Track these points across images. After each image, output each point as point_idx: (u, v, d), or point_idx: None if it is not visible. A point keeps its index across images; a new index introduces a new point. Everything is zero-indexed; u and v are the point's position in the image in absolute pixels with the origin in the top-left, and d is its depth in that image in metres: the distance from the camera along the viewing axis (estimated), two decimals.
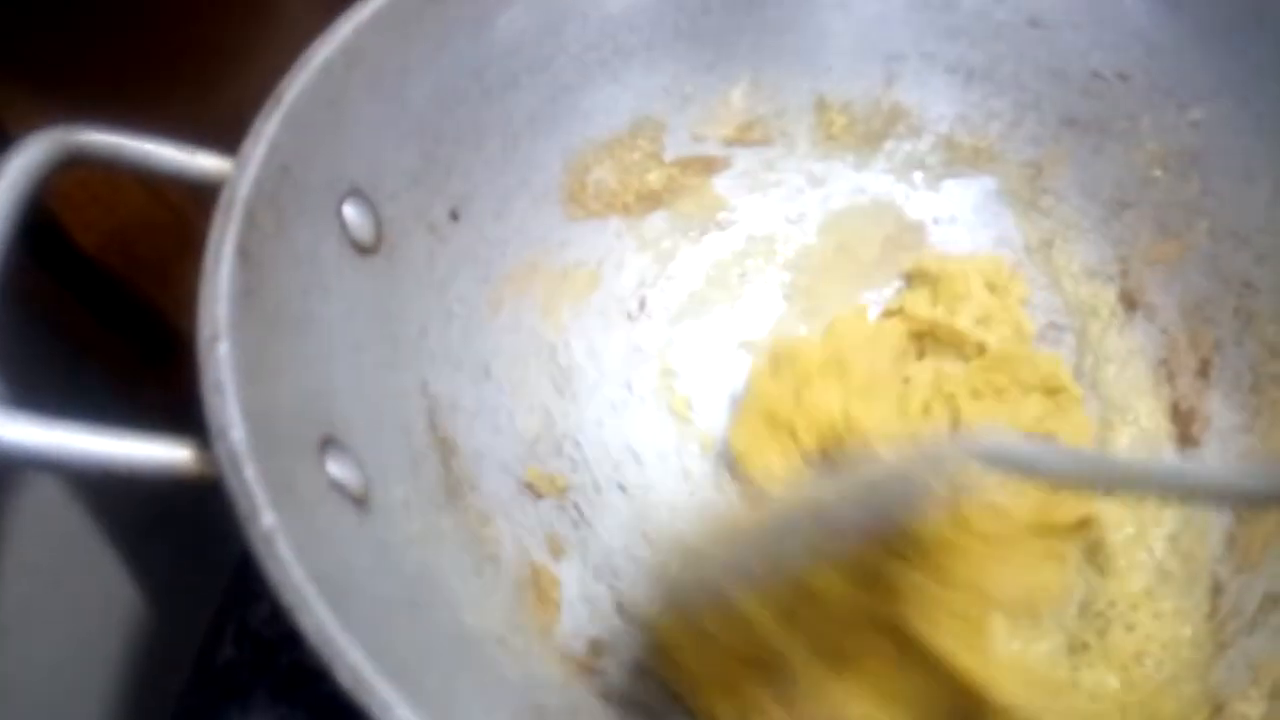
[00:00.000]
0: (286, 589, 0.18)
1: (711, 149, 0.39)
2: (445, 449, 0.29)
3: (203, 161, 0.25)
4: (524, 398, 0.33)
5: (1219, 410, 0.33)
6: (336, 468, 0.23)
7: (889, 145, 0.39)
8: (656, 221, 0.38)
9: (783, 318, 0.38)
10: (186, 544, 0.37)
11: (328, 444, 0.23)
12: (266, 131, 0.25)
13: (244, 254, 0.23)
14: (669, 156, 0.38)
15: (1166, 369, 0.35)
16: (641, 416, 0.35)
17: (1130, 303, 0.37)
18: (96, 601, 0.34)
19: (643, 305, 0.38)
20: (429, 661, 0.21)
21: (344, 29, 0.28)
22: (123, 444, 0.20)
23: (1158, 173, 0.36)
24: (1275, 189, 0.33)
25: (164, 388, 0.25)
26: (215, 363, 0.20)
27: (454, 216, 0.32)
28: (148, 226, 0.30)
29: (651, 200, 0.38)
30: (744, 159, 0.39)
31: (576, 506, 0.32)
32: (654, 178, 0.38)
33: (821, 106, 0.39)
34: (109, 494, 0.33)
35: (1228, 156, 0.34)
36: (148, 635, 0.36)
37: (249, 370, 0.21)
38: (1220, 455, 0.33)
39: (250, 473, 0.19)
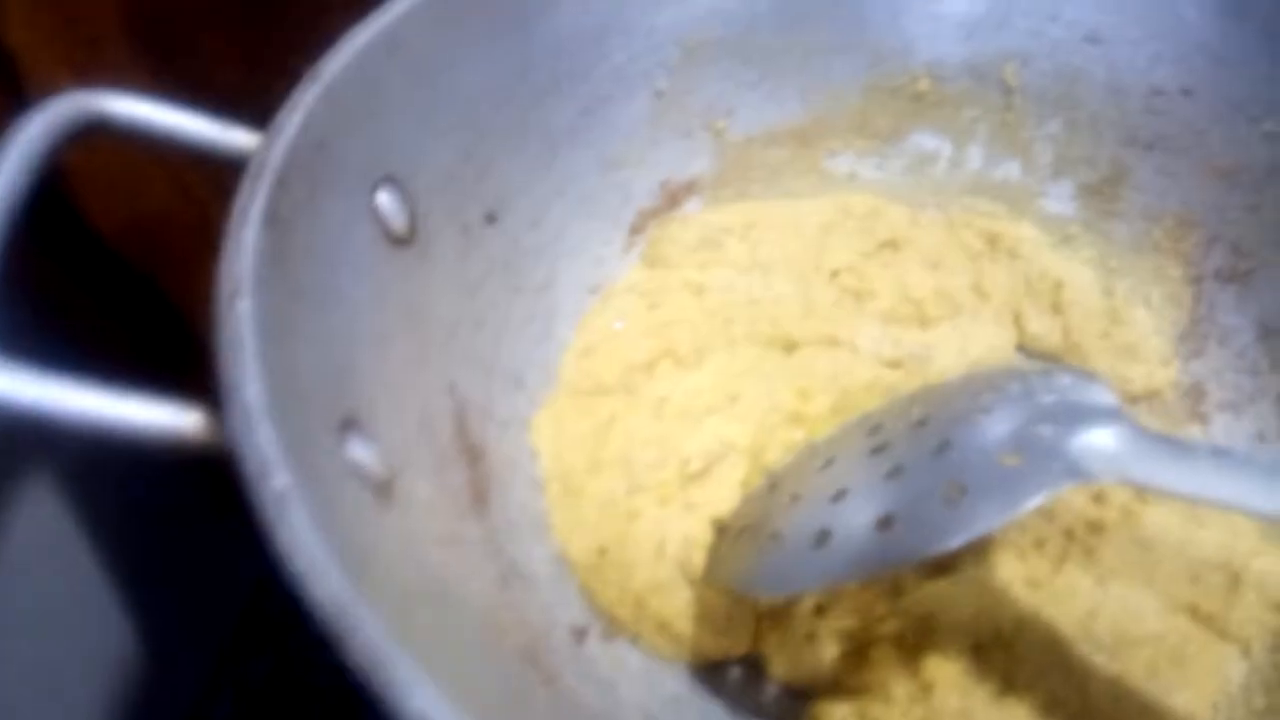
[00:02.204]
0: (298, 554, 0.15)
1: None
2: (473, 454, 0.27)
3: (237, 136, 0.24)
4: None
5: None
6: (359, 449, 0.21)
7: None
8: None
9: None
10: (185, 593, 0.35)
11: (350, 425, 0.21)
12: (304, 103, 0.24)
13: (272, 218, 0.21)
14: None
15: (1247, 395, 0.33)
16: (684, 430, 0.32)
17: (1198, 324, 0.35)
18: (87, 649, 0.32)
19: None
20: (453, 660, 0.19)
21: (387, 16, 0.27)
22: (125, 404, 0.18)
23: (1227, 190, 0.34)
24: None
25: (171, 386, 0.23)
26: (234, 319, 0.19)
27: (490, 219, 0.31)
28: (169, 220, 0.29)
29: None
30: None
31: None
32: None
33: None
34: (108, 525, 0.31)
35: None
36: (140, 687, 0.34)
37: (269, 333, 0.19)
38: None
39: (264, 435, 0.17)
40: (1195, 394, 0.34)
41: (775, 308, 0.34)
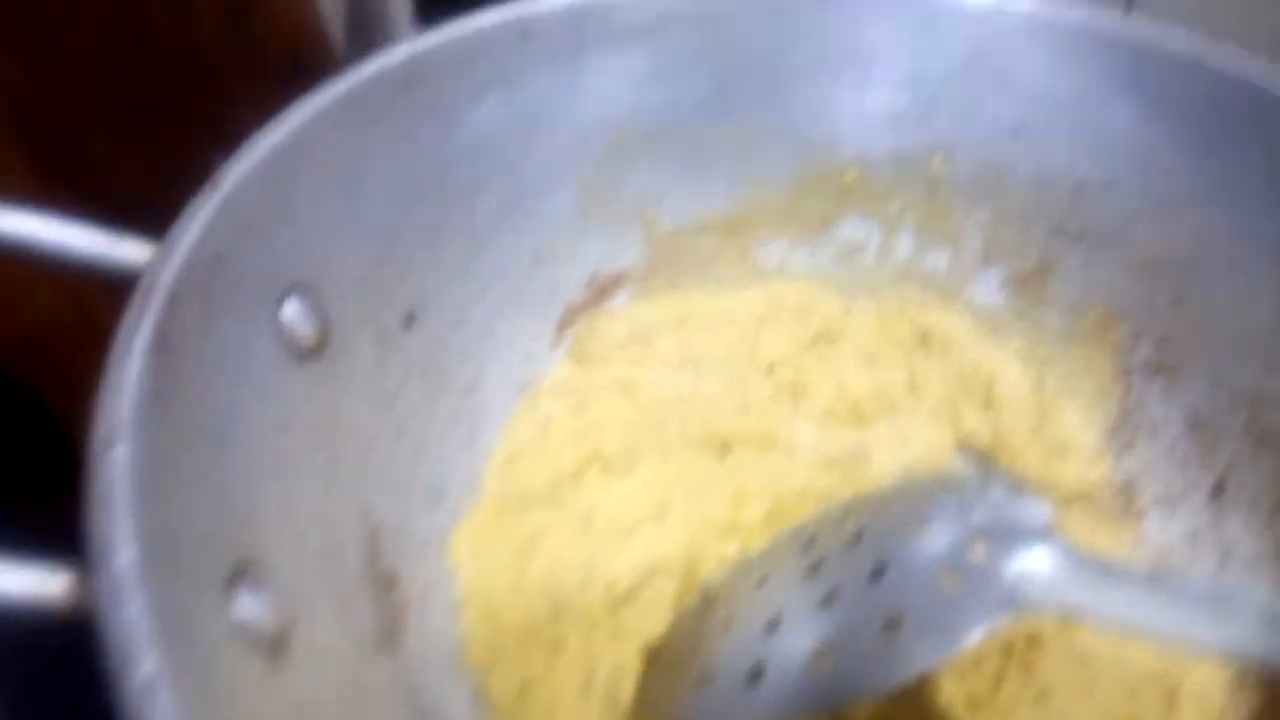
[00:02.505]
0: None
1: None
2: (385, 583, 0.25)
3: (129, 249, 0.22)
4: None
5: (1239, 536, 0.31)
6: (249, 603, 0.19)
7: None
8: None
9: None
10: None
11: (240, 575, 0.19)
12: (201, 215, 0.22)
13: (160, 347, 0.20)
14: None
15: (1179, 490, 0.33)
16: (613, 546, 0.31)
17: (1128, 416, 0.35)
18: None
19: None
20: None
21: (296, 117, 0.26)
22: None
23: (1153, 282, 0.34)
24: (1277, 299, 0.31)
25: (51, 517, 0.21)
26: (108, 469, 0.17)
27: (409, 322, 0.30)
28: (58, 332, 0.27)
29: None
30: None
31: None
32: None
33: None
34: None
35: (1227, 263, 0.33)
36: None
37: (151, 483, 0.18)
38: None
39: (134, 609, 0.15)
40: (1128, 491, 0.33)
41: (708, 406, 0.33)
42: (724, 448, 0.32)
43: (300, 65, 0.39)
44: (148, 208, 0.23)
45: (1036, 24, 0.35)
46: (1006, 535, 0.23)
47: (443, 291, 0.31)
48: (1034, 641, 0.27)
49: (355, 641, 0.22)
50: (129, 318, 0.20)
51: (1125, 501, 0.33)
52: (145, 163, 0.31)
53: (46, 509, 0.19)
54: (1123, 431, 0.34)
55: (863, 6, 0.36)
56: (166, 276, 0.21)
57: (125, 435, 0.18)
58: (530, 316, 0.34)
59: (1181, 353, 0.34)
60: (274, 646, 0.19)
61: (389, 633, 0.24)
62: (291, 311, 0.25)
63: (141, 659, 0.15)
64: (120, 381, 0.19)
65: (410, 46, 0.29)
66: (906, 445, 0.33)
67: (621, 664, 0.26)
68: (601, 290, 0.36)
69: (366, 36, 0.56)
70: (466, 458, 0.31)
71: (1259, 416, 0.32)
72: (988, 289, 0.38)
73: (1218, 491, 0.32)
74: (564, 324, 0.35)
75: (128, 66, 0.30)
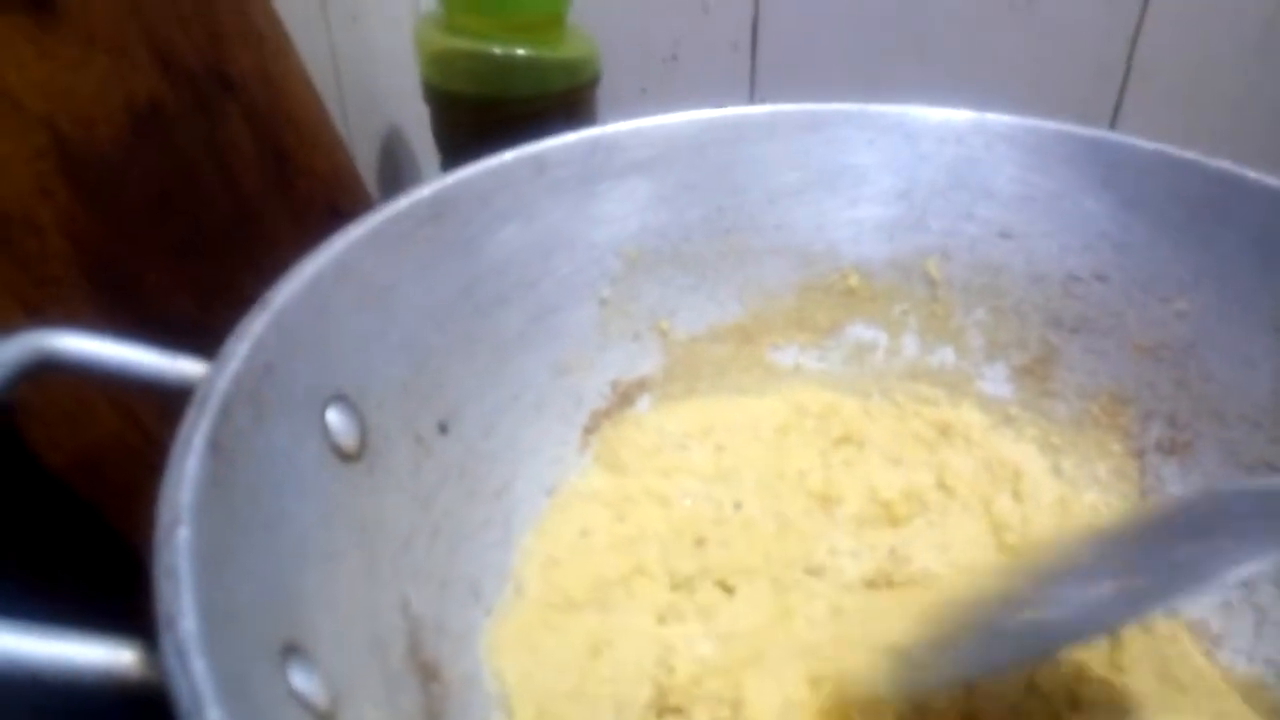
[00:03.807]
0: None
1: None
2: (426, 673, 0.26)
3: (184, 366, 0.24)
4: None
5: (1273, 600, 0.31)
6: (300, 679, 0.20)
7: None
8: None
9: None
10: None
11: (291, 652, 0.20)
12: (252, 331, 0.24)
13: (215, 446, 0.21)
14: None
15: None
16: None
17: (1146, 496, 0.35)
18: None
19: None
20: None
21: (336, 245, 0.28)
22: (57, 644, 0.17)
23: (1154, 365, 0.36)
24: (1276, 369, 0.33)
25: (119, 616, 0.22)
26: (173, 548, 0.18)
27: (443, 429, 0.31)
28: (118, 449, 0.29)
29: None
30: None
31: None
32: None
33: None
34: None
35: (1222, 343, 0.34)
36: None
37: (209, 562, 0.19)
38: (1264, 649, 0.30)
39: (199, 668, 0.16)
40: None
41: (746, 531, 0.34)
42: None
43: (338, 211, 0.43)
44: (200, 336, 0.25)
45: (1014, 134, 0.38)
46: None
47: (473, 401, 0.33)
48: (1074, 703, 0.27)
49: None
50: (187, 419, 0.22)
51: None
52: (198, 299, 0.33)
53: (111, 607, 0.21)
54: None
55: (849, 130, 0.39)
56: (221, 383, 0.23)
57: (186, 519, 0.19)
58: (557, 422, 0.36)
59: (1192, 430, 0.35)
60: (327, 718, 0.20)
61: (433, 718, 0.24)
62: (334, 419, 0.27)
63: (209, 708, 0.16)
64: (181, 474, 0.20)
65: (438, 183, 0.32)
66: (945, 543, 0.34)
67: None
68: (624, 396, 0.38)
69: (397, 184, 0.61)
70: (500, 557, 0.32)
71: None
72: (995, 382, 0.39)
73: None
74: (589, 429, 0.37)
75: (180, 214, 0.33)
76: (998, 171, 0.38)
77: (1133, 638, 0.30)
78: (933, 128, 0.38)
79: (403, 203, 0.31)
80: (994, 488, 0.37)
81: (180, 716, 0.16)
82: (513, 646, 0.29)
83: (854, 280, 0.40)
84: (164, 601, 0.17)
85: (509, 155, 0.34)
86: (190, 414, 0.22)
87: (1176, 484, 0.34)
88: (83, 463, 0.28)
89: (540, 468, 0.35)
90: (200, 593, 0.18)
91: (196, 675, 0.16)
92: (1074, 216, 0.37)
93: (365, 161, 0.59)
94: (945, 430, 0.39)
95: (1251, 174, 0.34)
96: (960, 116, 0.38)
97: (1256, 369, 0.33)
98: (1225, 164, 0.34)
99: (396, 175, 0.64)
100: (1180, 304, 0.35)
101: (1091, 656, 0.29)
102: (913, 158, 0.39)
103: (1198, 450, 0.34)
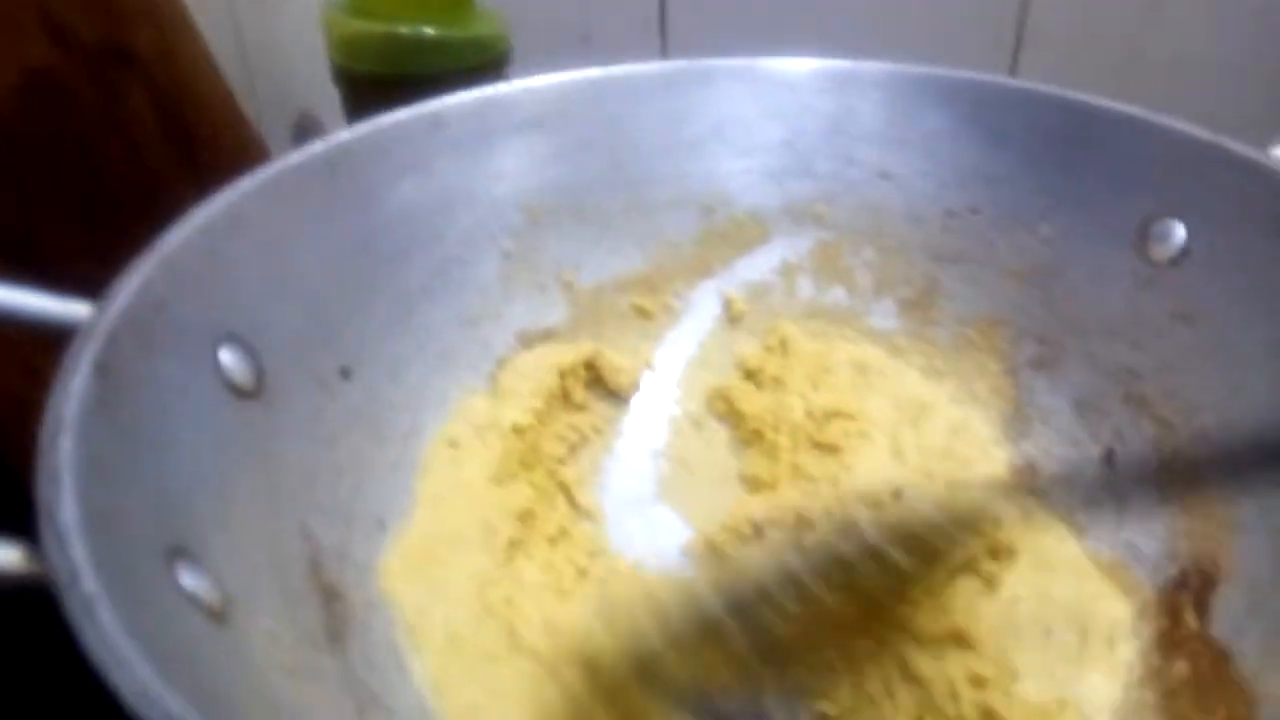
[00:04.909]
0: (101, 647, 0.16)
1: None
2: (328, 594, 0.27)
3: (73, 307, 0.25)
4: None
5: (1132, 491, 0.33)
6: (189, 579, 0.21)
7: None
8: None
9: None
10: None
11: (179, 553, 0.21)
12: (139, 271, 0.25)
13: (101, 369, 0.22)
14: None
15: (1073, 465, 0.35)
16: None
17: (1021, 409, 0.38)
18: None
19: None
20: None
21: (231, 194, 0.29)
22: None
23: (1024, 289, 0.38)
24: (1130, 282, 0.35)
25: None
26: (54, 453, 0.19)
27: (345, 375, 0.32)
28: (20, 406, 0.29)
29: None
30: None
31: None
32: None
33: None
34: None
35: (1082, 262, 0.36)
36: None
37: (91, 469, 0.20)
38: (1144, 533, 0.32)
39: (78, 552, 0.18)
40: (1029, 471, 0.36)
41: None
42: None
43: None
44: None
45: (888, 81, 0.40)
46: None
47: (376, 349, 0.34)
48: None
49: (301, 632, 0.24)
50: (73, 349, 0.23)
51: (1028, 480, 0.35)
52: (101, 265, 0.34)
53: None
54: (1018, 421, 0.37)
55: (737, 84, 0.41)
56: (109, 315, 0.24)
57: (69, 430, 0.20)
58: (465, 370, 0.37)
59: (1059, 346, 0.37)
60: (217, 615, 0.21)
61: (334, 636, 0.26)
62: (227, 357, 0.28)
63: (82, 579, 0.17)
64: (66, 391, 0.21)
65: (333, 138, 0.33)
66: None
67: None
68: (530, 345, 0.39)
69: None
70: (407, 497, 0.33)
71: (1133, 388, 0.35)
72: (884, 316, 0.41)
73: (1108, 459, 0.34)
74: (495, 377, 0.38)
75: (80, 182, 0.34)
76: (874, 117, 0.40)
77: (1011, 526, 0.32)
78: (812, 78, 0.40)
79: (296, 157, 0.32)
80: (898, 415, 0.39)
81: (62, 601, 0.17)
82: (411, 576, 0.30)
83: (750, 227, 0.42)
84: (44, 497, 0.18)
85: (404, 112, 0.35)
86: (77, 340, 0.23)
87: (1047, 396, 0.37)
88: None
89: (447, 414, 0.36)
90: (81, 492, 0.19)
91: (76, 558, 0.17)
92: (947, 155, 0.39)
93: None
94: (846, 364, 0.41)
95: (1104, 102, 0.36)
96: (837, 65, 0.40)
97: (1112, 283, 0.35)
98: (1080, 95, 0.37)
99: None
100: (1045, 230, 0.37)
101: (971, 544, 0.31)
102: (796, 107, 0.41)
103: (1065, 363, 0.37)
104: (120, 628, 0.16)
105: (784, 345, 0.41)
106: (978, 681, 0.28)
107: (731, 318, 0.42)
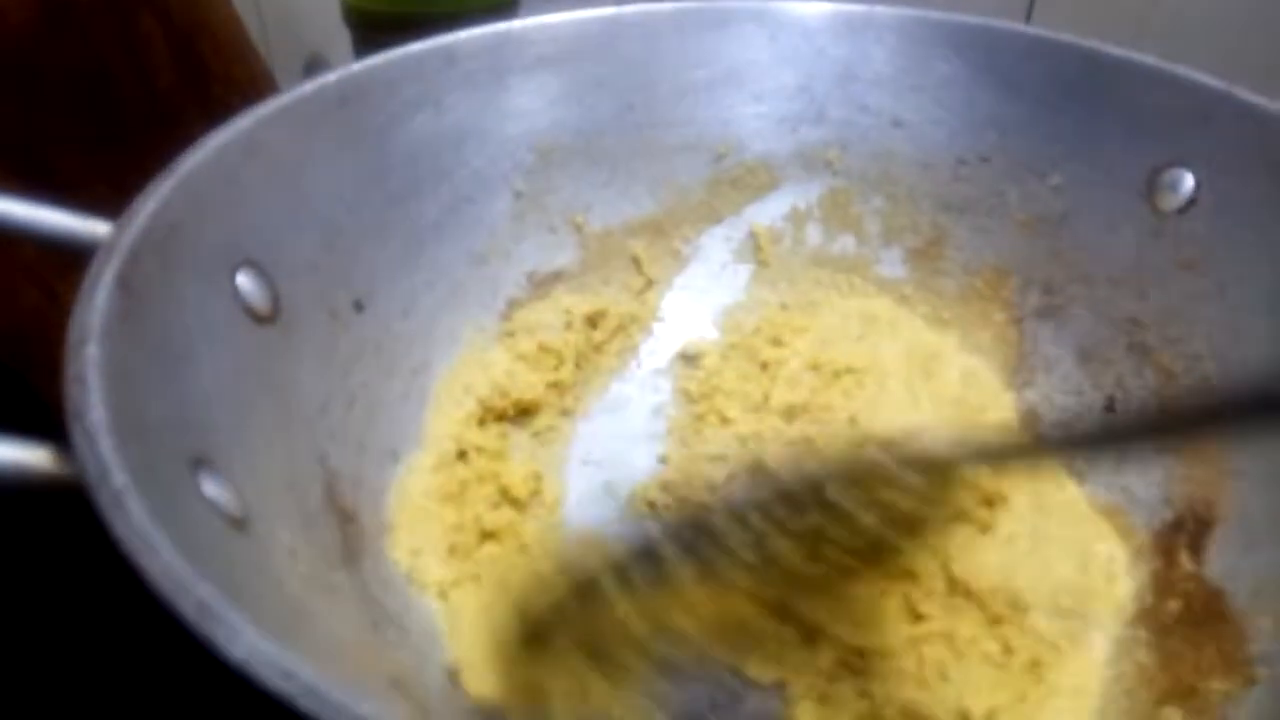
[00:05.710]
0: (131, 535, 0.16)
1: None
2: (344, 516, 0.27)
3: (94, 226, 0.26)
4: None
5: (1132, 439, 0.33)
6: (211, 488, 0.21)
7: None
8: None
9: None
10: None
11: (202, 463, 0.22)
12: (158, 192, 0.26)
13: (124, 284, 0.23)
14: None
15: (1074, 413, 0.36)
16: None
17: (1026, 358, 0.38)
18: None
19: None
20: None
21: (245, 121, 0.30)
22: None
23: (1031, 238, 0.38)
24: (1138, 231, 0.35)
25: None
26: (80, 360, 0.20)
27: (358, 307, 0.33)
28: (41, 324, 0.30)
29: None
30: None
31: None
32: None
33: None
34: None
35: (1091, 211, 0.37)
36: None
37: (116, 377, 0.20)
38: (1142, 479, 0.33)
39: (106, 447, 0.18)
40: (1032, 418, 0.36)
41: None
42: None
43: None
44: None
45: (903, 26, 0.40)
46: None
47: (388, 283, 0.34)
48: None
49: (318, 550, 0.25)
50: (95, 264, 0.23)
51: (1031, 426, 0.36)
52: (115, 189, 0.34)
53: None
54: (1022, 370, 0.38)
55: (752, 27, 0.41)
56: (130, 233, 0.24)
57: (94, 339, 0.21)
58: (475, 308, 0.37)
59: (1065, 294, 0.37)
60: (238, 523, 0.21)
61: (350, 556, 0.26)
62: (244, 281, 0.28)
63: (113, 474, 0.17)
64: (90, 303, 0.21)
65: (345, 69, 0.33)
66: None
67: None
68: (540, 286, 0.39)
69: None
70: (418, 431, 0.33)
71: (1136, 336, 0.35)
72: (892, 265, 0.42)
73: (1109, 407, 0.35)
74: (506, 317, 0.38)
75: (95, 106, 0.34)
76: (888, 63, 0.40)
77: (1011, 471, 0.33)
78: (827, 22, 0.40)
79: (309, 86, 0.32)
80: (909, 364, 0.39)
81: (92, 495, 0.17)
82: (420, 505, 0.30)
83: (761, 174, 0.42)
84: (72, 399, 0.19)
85: (418, 46, 0.35)
86: (99, 256, 0.23)
87: (1050, 346, 0.37)
88: (9, 336, 0.29)
89: (458, 351, 0.36)
90: (107, 396, 0.19)
91: (104, 455, 0.18)
92: (960, 103, 0.39)
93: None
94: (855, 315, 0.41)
95: (1118, 50, 0.36)
96: (851, 9, 0.40)
97: (1120, 232, 0.36)
98: (1094, 43, 0.36)
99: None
100: (1055, 179, 0.38)
101: (972, 490, 0.32)
102: (810, 52, 0.41)
103: (1070, 312, 0.37)
104: (148, 519, 0.17)
105: (793, 293, 0.42)
106: (994, 619, 0.29)
107: (759, 261, 0.42)
